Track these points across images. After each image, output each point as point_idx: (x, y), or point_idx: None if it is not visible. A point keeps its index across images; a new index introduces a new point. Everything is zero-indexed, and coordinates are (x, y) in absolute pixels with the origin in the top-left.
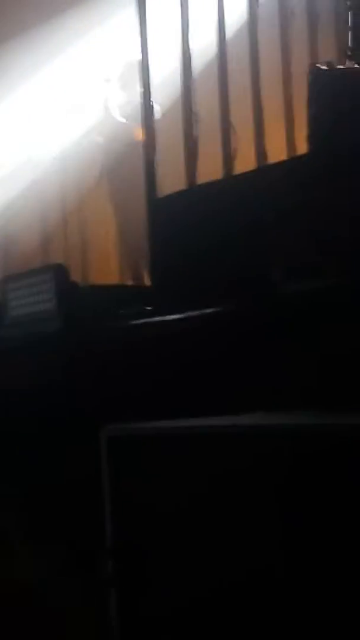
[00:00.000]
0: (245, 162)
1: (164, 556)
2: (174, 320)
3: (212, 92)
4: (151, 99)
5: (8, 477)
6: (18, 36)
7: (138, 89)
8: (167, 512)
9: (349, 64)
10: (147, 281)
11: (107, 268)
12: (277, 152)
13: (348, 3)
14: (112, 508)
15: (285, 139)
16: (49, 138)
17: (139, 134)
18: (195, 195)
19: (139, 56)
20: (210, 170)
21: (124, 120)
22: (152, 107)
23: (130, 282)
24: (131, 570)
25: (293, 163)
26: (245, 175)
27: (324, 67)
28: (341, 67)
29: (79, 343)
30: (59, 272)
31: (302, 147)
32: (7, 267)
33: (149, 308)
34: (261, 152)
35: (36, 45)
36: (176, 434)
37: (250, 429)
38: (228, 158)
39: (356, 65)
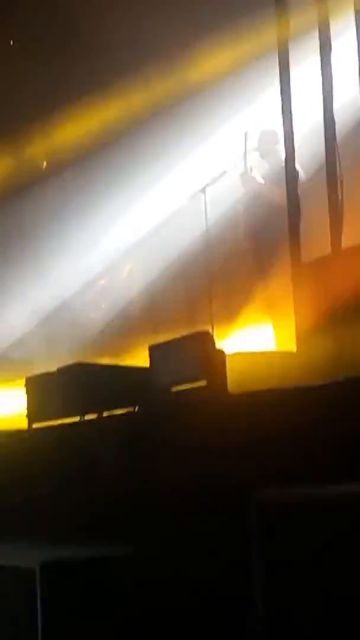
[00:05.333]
0: None
1: (313, 622)
2: (320, 386)
3: (356, 157)
4: (295, 165)
5: (161, 537)
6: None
7: (279, 156)
8: (316, 576)
9: None
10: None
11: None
12: None
13: None
14: (262, 570)
15: None
16: (192, 205)
17: (281, 198)
18: (341, 260)
19: (282, 123)
20: (355, 234)
21: (265, 185)
22: (296, 172)
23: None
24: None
25: None
26: None
27: None
28: None
29: (228, 408)
30: (205, 340)
31: None
32: (155, 333)
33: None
34: None
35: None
36: (326, 501)
37: None
38: None
39: None
